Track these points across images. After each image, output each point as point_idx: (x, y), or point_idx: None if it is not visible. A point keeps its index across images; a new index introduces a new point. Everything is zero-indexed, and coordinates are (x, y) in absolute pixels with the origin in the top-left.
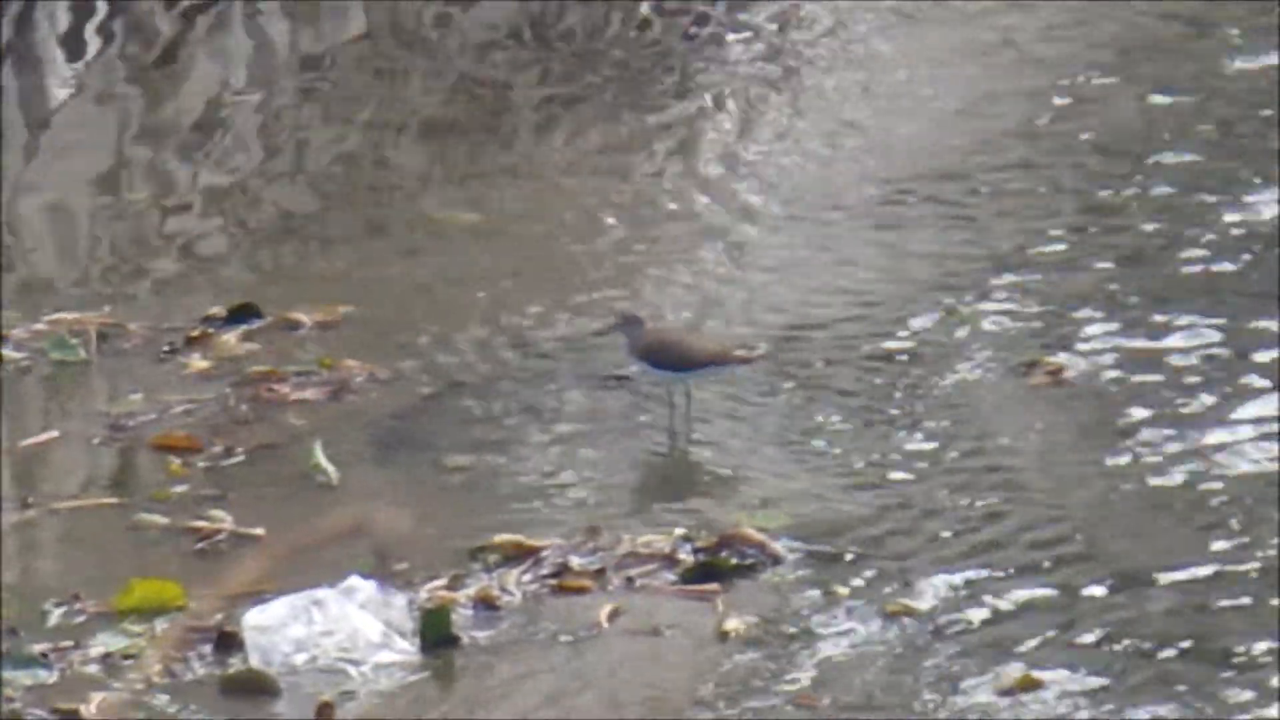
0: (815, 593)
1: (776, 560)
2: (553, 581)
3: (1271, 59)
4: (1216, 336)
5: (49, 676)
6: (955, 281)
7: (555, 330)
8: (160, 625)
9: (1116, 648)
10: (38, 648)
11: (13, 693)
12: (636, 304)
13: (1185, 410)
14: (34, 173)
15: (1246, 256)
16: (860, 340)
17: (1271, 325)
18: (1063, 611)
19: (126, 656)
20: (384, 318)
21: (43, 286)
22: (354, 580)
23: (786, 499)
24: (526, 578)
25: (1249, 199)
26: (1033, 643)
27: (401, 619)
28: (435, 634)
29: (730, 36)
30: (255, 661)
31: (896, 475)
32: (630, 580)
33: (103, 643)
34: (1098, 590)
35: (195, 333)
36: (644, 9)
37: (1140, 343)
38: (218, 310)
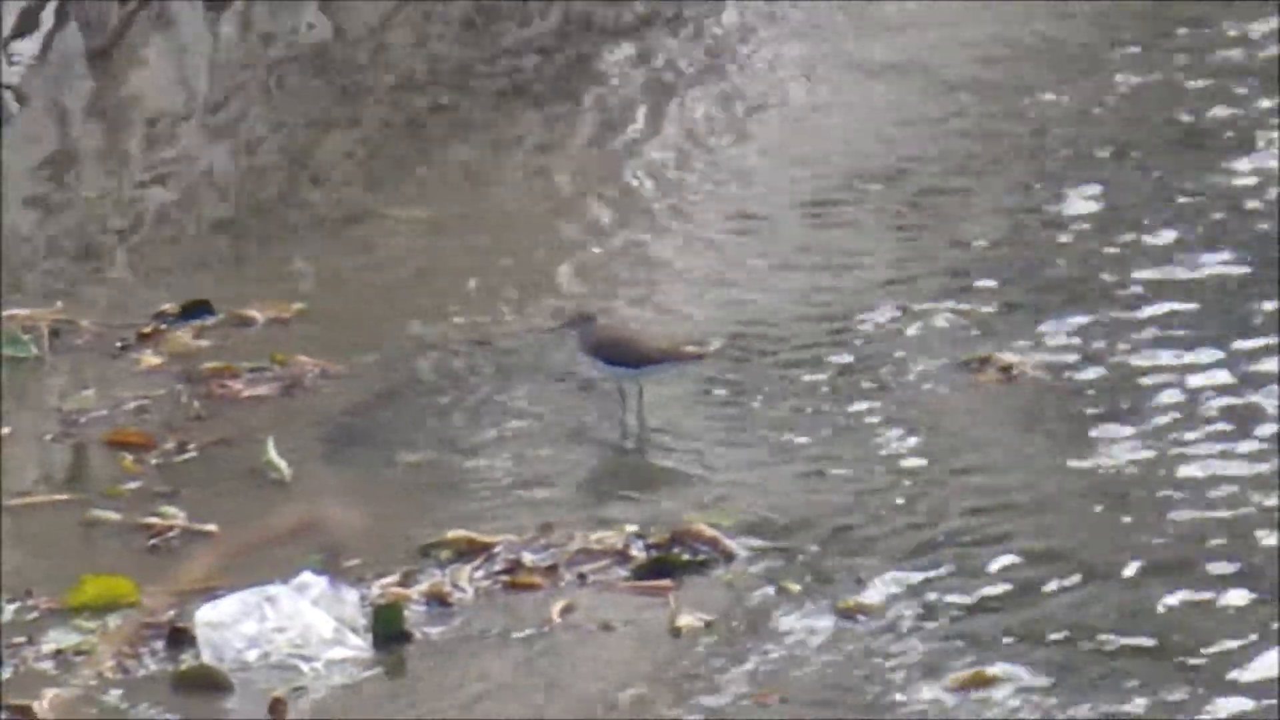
0: (768, 589)
1: (729, 557)
2: (505, 578)
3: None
4: (1169, 331)
5: (1, 673)
6: (906, 280)
7: (507, 327)
8: (113, 621)
9: (1069, 645)
10: None
11: None
12: (588, 301)
13: (1138, 406)
14: None
15: (1199, 251)
16: (812, 338)
17: (1238, 317)
18: (1015, 608)
19: (79, 653)
20: (337, 314)
21: None
22: (306, 576)
23: (739, 496)
24: (479, 574)
25: (1199, 192)
26: (985, 639)
27: (354, 615)
28: (387, 630)
29: (672, 40)
30: (207, 658)
31: (849, 472)
32: (582, 577)
33: (55, 639)
34: (1050, 587)
35: (148, 329)
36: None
37: (1092, 338)
38: (171, 306)
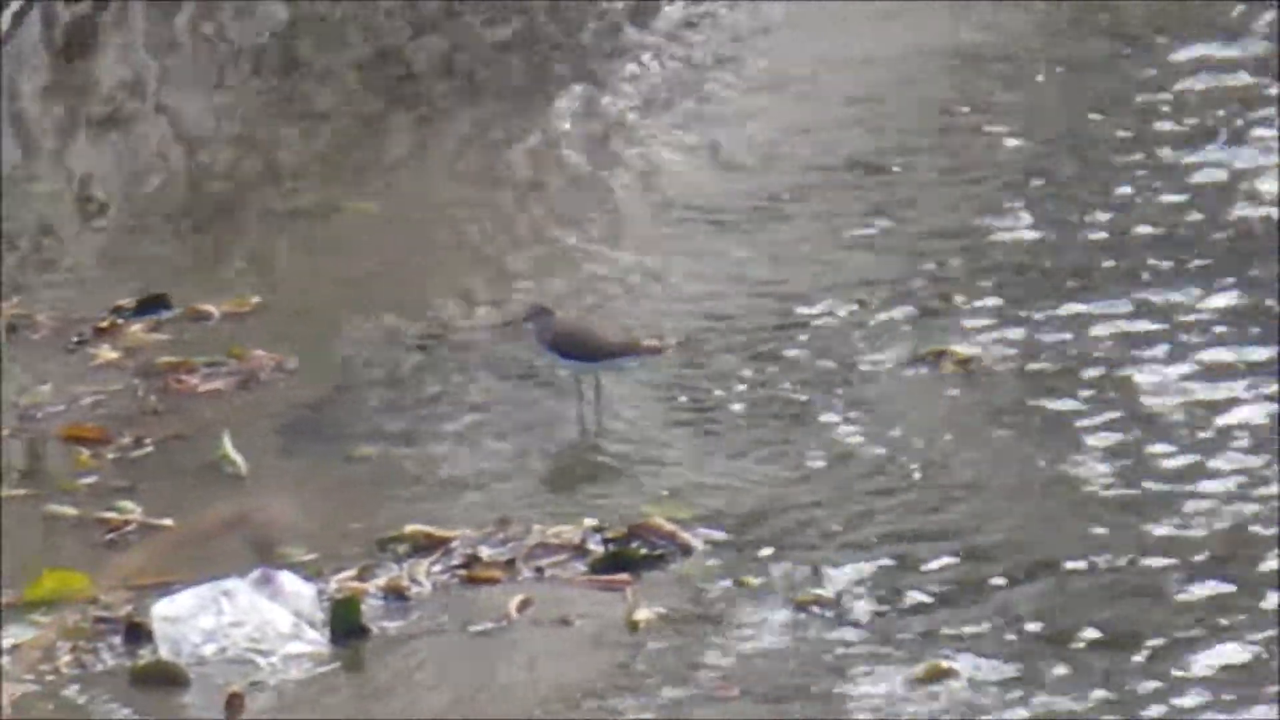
0: (726, 583)
1: (687, 551)
2: (463, 572)
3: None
4: (1129, 323)
5: None
6: (863, 274)
7: (465, 321)
8: (69, 616)
9: (1028, 637)
10: None
11: None
12: (545, 295)
13: (1097, 398)
14: None
15: (1159, 240)
16: (769, 332)
17: (1187, 310)
18: (974, 601)
19: (35, 647)
20: (294, 308)
21: None
22: (264, 570)
23: (697, 489)
24: (436, 568)
25: (1158, 181)
26: (943, 632)
27: (311, 610)
28: (345, 625)
29: (633, 30)
30: (165, 652)
31: (806, 466)
32: (540, 571)
33: (11, 634)
34: (1009, 579)
35: (105, 323)
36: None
37: (1048, 331)
38: (127, 301)
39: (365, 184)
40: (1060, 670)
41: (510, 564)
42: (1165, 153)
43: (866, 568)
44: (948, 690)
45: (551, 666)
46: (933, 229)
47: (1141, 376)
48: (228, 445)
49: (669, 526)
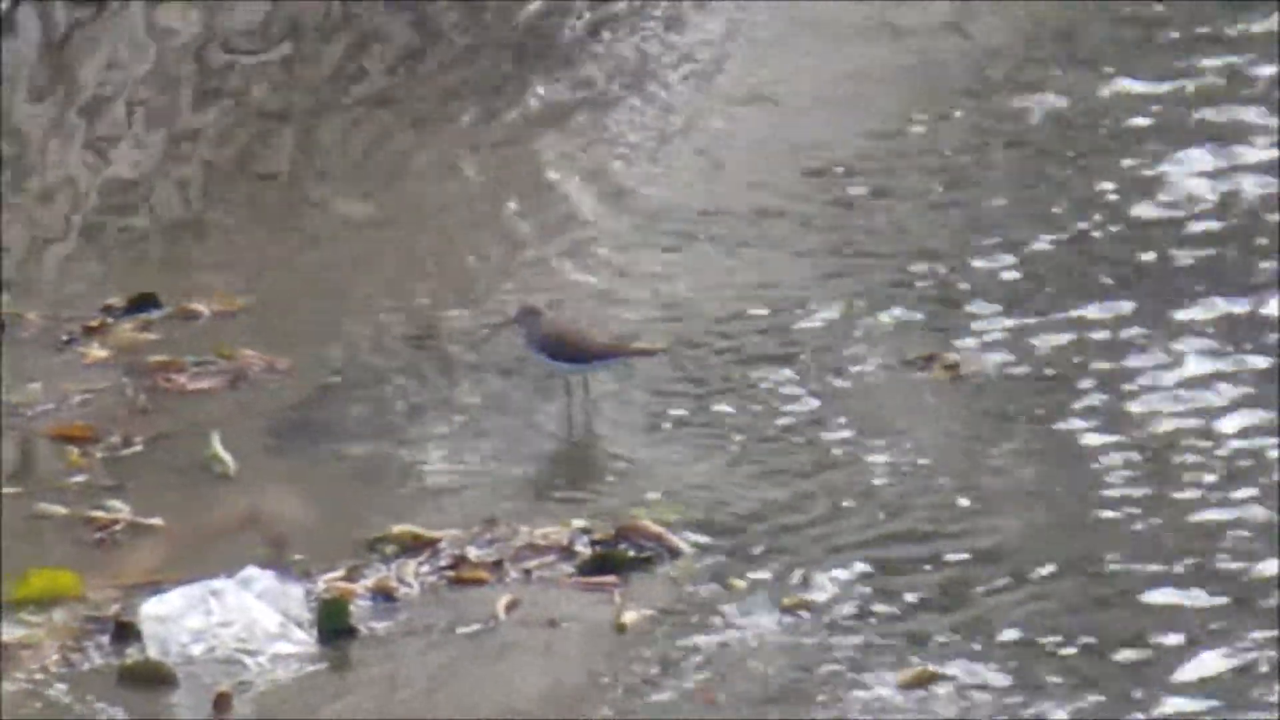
0: (713, 586)
1: (674, 553)
2: (450, 573)
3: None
4: (1122, 328)
5: None
6: (851, 278)
7: (453, 321)
8: (57, 615)
9: (1016, 643)
10: None
11: None
12: (534, 296)
13: (1084, 404)
14: None
15: (1153, 245)
16: (757, 335)
17: (1182, 315)
18: (963, 606)
19: (24, 646)
20: (282, 308)
21: None
22: (251, 571)
23: (684, 492)
24: (424, 569)
25: (1152, 186)
26: (933, 637)
27: (299, 610)
28: (333, 625)
29: (619, 33)
30: (153, 652)
31: (795, 469)
32: (528, 572)
33: (1, 632)
34: (996, 584)
35: (94, 322)
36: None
37: (1036, 336)
38: (117, 300)
39: (356, 184)
40: (1049, 676)
41: (498, 565)
42: (1160, 156)
43: (854, 572)
44: (935, 695)
45: (539, 668)
46: (922, 235)
47: (1134, 382)
48: (217, 445)
49: (656, 529)
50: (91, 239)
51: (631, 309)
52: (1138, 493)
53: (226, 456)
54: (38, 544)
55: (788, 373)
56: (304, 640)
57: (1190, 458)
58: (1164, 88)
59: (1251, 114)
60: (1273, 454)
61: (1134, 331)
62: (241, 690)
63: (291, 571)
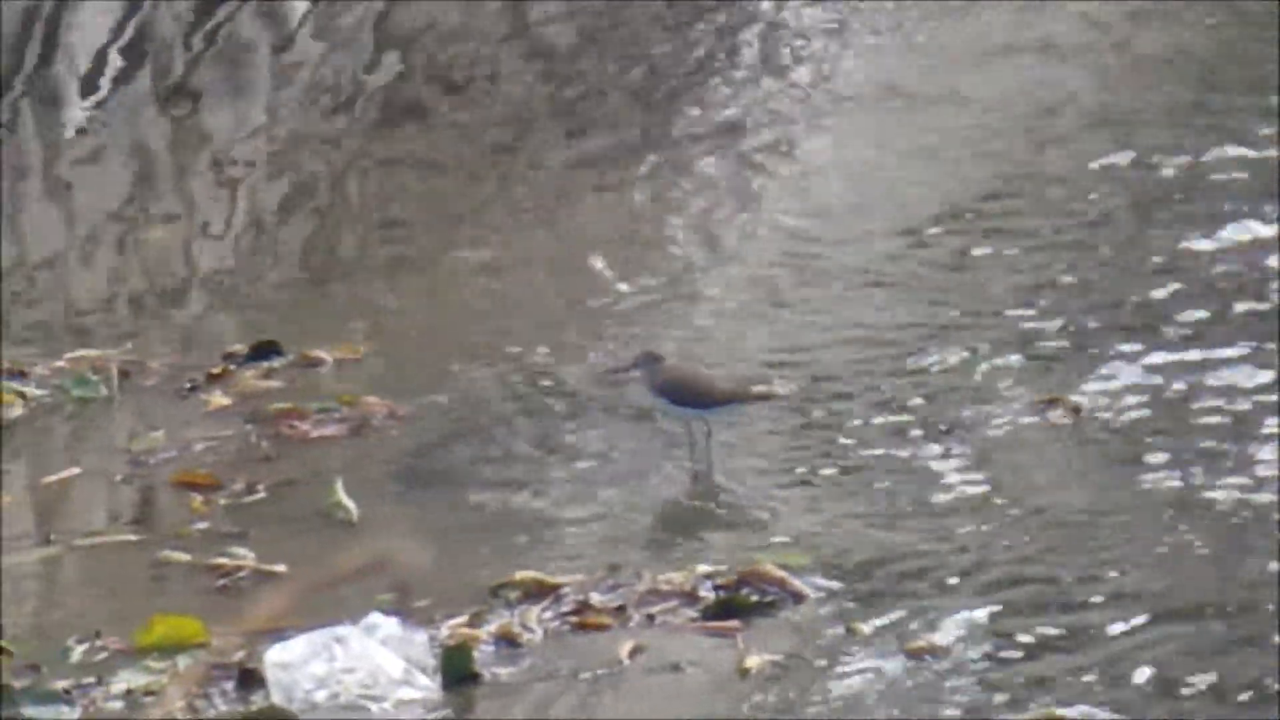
0: (837, 630)
1: (798, 597)
2: (574, 619)
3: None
4: (1244, 370)
5: (71, 713)
6: (974, 320)
7: (574, 367)
8: (182, 662)
9: (1138, 685)
10: (60, 684)
11: None
12: (652, 341)
13: (1208, 446)
14: (54, 209)
15: (1267, 288)
16: (879, 379)
17: None
18: (1088, 648)
19: (148, 693)
20: (404, 355)
21: (64, 324)
22: (375, 617)
23: (808, 537)
24: (547, 615)
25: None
26: (1056, 680)
27: (423, 656)
28: (456, 671)
29: (740, 73)
30: (277, 699)
31: (918, 513)
32: (651, 617)
33: (125, 680)
34: (1122, 627)
35: (216, 370)
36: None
37: (1161, 378)
38: (239, 347)
39: (477, 231)
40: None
41: (621, 610)
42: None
43: (978, 615)
44: None
45: (662, 713)
46: (1043, 276)
47: (1261, 426)
48: (340, 491)
49: (779, 573)
50: (213, 286)
51: (752, 354)
52: (1267, 536)
53: (349, 503)
54: (162, 591)
55: (910, 417)
56: (427, 686)
57: None
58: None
59: None
60: None
61: (1260, 372)
62: None
63: (415, 618)
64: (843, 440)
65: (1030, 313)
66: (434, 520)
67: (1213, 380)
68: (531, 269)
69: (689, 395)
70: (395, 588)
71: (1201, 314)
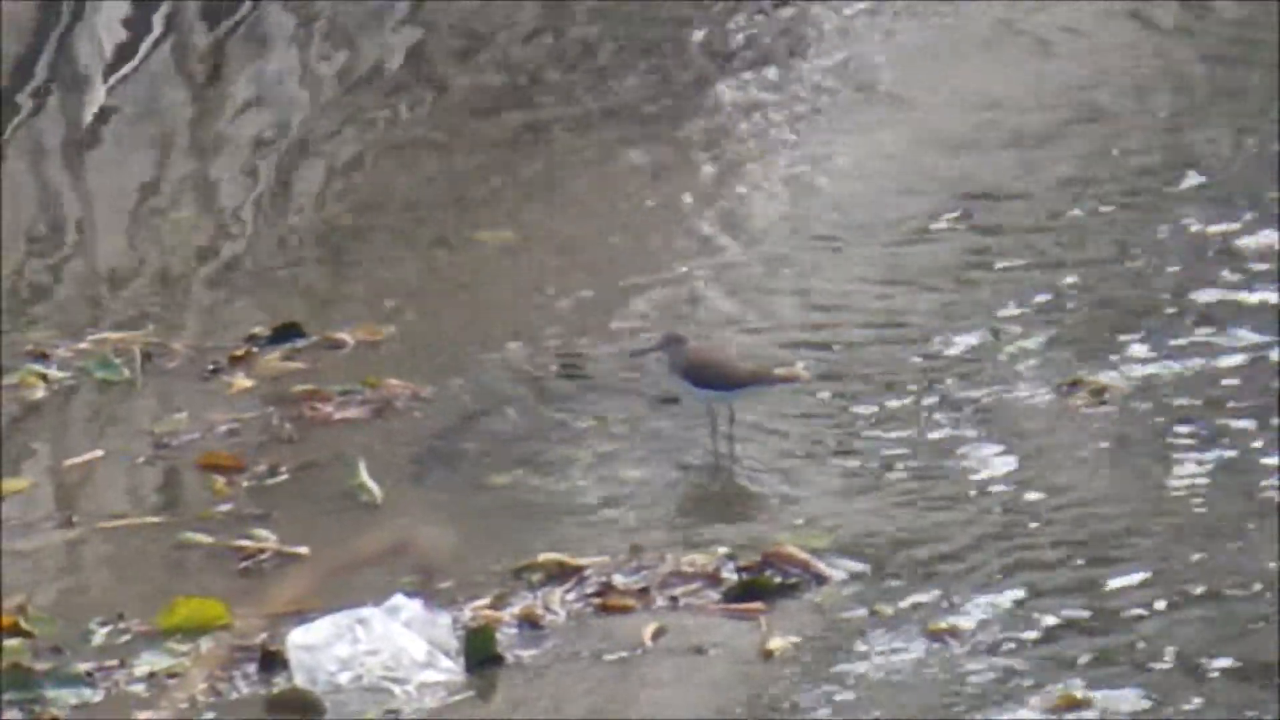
0: (860, 612)
1: (821, 579)
2: (596, 600)
3: None
4: (1267, 352)
5: (94, 696)
6: (996, 303)
7: (597, 349)
8: (204, 644)
9: (1162, 668)
10: (82, 666)
11: (58, 712)
12: (676, 323)
13: (1233, 428)
14: (76, 191)
15: None
16: (902, 361)
17: None
18: (1108, 630)
19: (171, 675)
20: (427, 337)
21: (87, 306)
22: (398, 599)
23: (830, 518)
24: (570, 597)
25: None
26: (1078, 662)
27: (446, 638)
28: (479, 653)
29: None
30: (300, 681)
31: (941, 495)
32: (674, 599)
33: (147, 662)
34: (1143, 610)
35: (239, 352)
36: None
37: (1185, 361)
38: (261, 329)
39: (499, 213)
40: (1194, 701)
41: (644, 592)
42: None
43: (1001, 597)
44: None
45: (685, 695)
46: (1066, 259)
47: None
48: (363, 473)
49: (802, 555)
50: (236, 268)
51: (775, 335)
52: None
53: (372, 485)
54: (184, 573)
55: (934, 398)
56: (451, 668)
57: None
58: None
59: None
60: None
61: None
62: (388, 719)
63: (438, 600)
64: (865, 422)
65: (1051, 298)
66: (457, 502)
67: (1235, 362)
68: (553, 251)
69: (711, 377)
70: (417, 570)
71: (1223, 296)
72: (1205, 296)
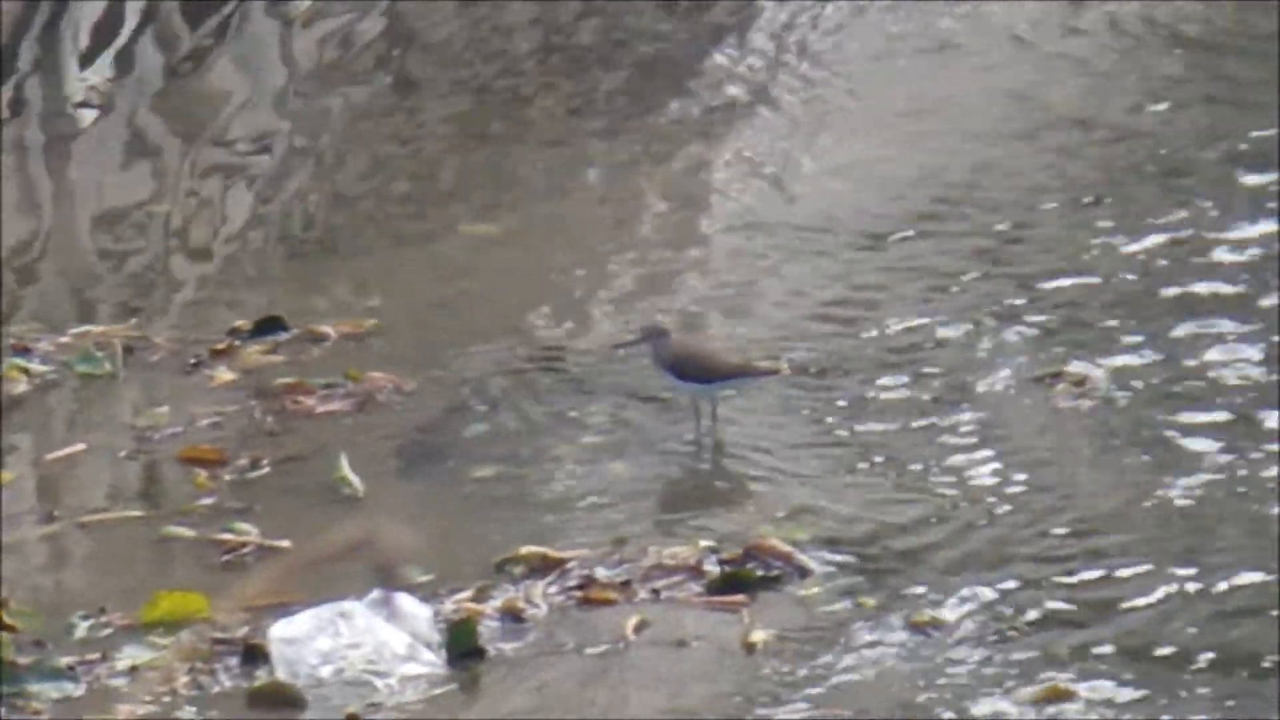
0: (842, 604)
1: (803, 572)
2: (579, 593)
3: None
4: (1247, 344)
5: (75, 689)
6: (977, 295)
7: (580, 341)
8: (186, 638)
9: (1146, 659)
10: (64, 660)
11: (40, 706)
12: (662, 315)
13: (1216, 419)
14: (57, 185)
15: (1271, 268)
16: (884, 354)
17: None
18: (1092, 622)
19: (153, 669)
20: (410, 330)
21: (68, 300)
22: (380, 592)
23: (813, 511)
24: (552, 589)
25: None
26: (1061, 654)
27: (427, 631)
28: (461, 646)
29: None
30: (282, 674)
31: (923, 487)
32: (656, 592)
33: (129, 655)
34: (1127, 602)
35: (221, 345)
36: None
37: (1166, 352)
38: (244, 323)
39: (482, 206)
40: (1179, 693)
41: (626, 585)
42: None
43: (984, 589)
44: (1066, 712)
45: (667, 688)
46: (1046, 250)
47: (1258, 398)
48: (345, 467)
49: (785, 548)
50: (218, 261)
51: (759, 328)
52: (1268, 508)
53: (354, 479)
54: (166, 567)
55: (916, 391)
56: (433, 661)
57: None
58: None
59: None
60: None
61: (1264, 349)
62: (370, 712)
63: (420, 593)
64: (848, 415)
65: (1030, 291)
66: (439, 495)
67: (1218, 354)
68: (537, 243)
69: (696, 369)
70: (378, 566)
71: (1205, 288)
72: (1182, 289)
